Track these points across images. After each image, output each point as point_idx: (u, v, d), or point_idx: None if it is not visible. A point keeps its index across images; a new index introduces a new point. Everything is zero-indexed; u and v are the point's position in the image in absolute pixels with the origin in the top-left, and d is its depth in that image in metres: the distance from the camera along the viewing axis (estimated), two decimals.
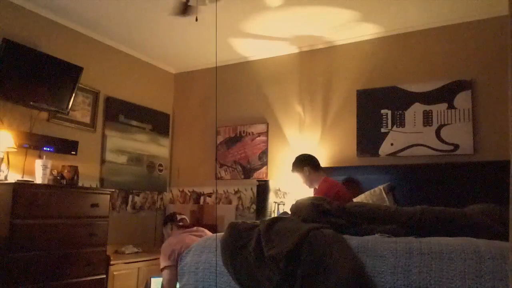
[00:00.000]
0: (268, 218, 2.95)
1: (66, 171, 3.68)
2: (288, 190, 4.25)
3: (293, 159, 3.76)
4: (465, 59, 3.78)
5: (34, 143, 3.63)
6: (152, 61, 5.11)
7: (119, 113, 4.64)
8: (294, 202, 2.79)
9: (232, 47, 4.63)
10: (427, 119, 3.84)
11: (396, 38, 4.11)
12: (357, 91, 4.20)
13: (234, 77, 4.99)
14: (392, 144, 3.96)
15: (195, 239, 2.95)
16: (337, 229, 2.18)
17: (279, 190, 4.32)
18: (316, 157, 3.74)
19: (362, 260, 1.91)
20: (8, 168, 3.41)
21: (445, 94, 3.78)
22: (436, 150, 3.77)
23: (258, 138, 4.71)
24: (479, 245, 1.84)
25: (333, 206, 2.54)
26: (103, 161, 4.42)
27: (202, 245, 2.41)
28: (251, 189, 4.58)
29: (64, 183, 3.64)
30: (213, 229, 4.22)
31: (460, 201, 3.03)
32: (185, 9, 3.28)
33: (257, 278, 2.04)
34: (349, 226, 2.34)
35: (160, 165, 5.14)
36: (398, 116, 3.97)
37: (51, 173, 3.65)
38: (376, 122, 4.06)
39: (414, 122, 3.89)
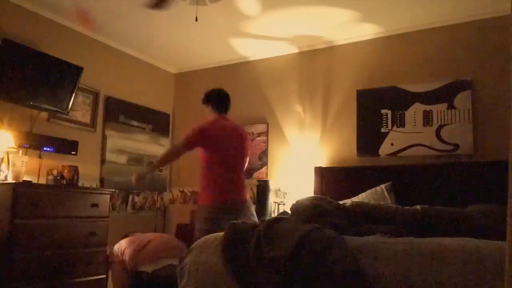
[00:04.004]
0: (268, 218, 2.95)
1: (66, 171, 3.68)
2: (288, 190, 4.25)
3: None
4: (465, 59, 3.78)
5: (34, 143, 3.63)
6: (152, 61, 5.11)
7: (119, 113, 4.64)
8: (294, 202, 2.79)
9: (232, 47, 4.63)
10: (427, 119, 3.84)
11: (396, 38, 4.11)
12: (357, 91, 4.20)
13: (234, 77, 4.99)
14: (392, 144, 3.96)
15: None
16: (337, 230, 2.18)
17: (279, 190, 4.32)
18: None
19: (362, 261, 1.91)
20: (8, 168, 3.41)
21: (445, 94, 3.78)
22: (436, 150, 3.76)
23: (258, 138, 4.71)
24: (479, 245, 1.84)
25: (333, 206, 2.54)
26: (103, 161, 4.42)
27: (202, 245, 2.41)
28: (251, 189, 4.57)
29: (64, 183, 3.64)
30: None
31: (460, 201, 3.04)
32: (160, 2, 3.16)
33: (257, 279, 2.04)
34: (349, 226, 2.35)
35: None
36: (398, 116, 3.97)
37: (51, 173, 3.65)
38: (376, 122, 4.06)
39: (414, 122, 3.89)
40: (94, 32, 4.12)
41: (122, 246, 3.50)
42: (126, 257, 3.38)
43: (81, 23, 3.10)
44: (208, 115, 3.21)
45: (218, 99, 3.20)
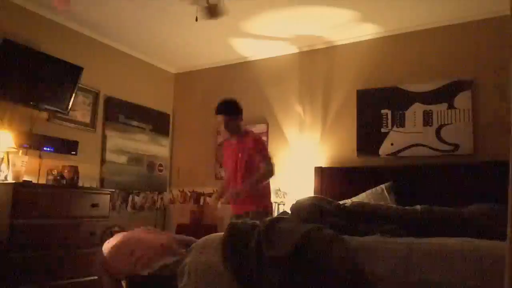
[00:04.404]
0: (268, 218, 2.94)
1: (66, 171, 3.68)
2: (288, 190, 4.25)
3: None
4: (465, 59, 3.78)
5: (34, 143, 3.63)
6: (152, 61, 5.11)
7: (119, 113, 4.64)
8: (294, 202, 2.79)
9: (232, 47, 4.63)
10: (427, 119, 3.84)
11: (396, 38, 4.11)
12: (357, 91, 4.20)
13: (234, 77, 4.99)
14: (392, 144, 3.96)
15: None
16: (337, 230, 2.18)
17: (279, 190, 4.31)
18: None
19: (362, 260, 1.91)
20: (8, 168, 3.41)
21: (445, 94, 3.78)
22: (436, 150, 3.76)
23: None
24: (479, 245, 1.84)
25: (333, 206, 2.54)
26: (103, 161, 4.42)
27: (202, 245, 2.41)
28: None
29: (64, 183, 3.64)
30: (213, 229, 4.23)
31: (460, 201, 3.03)
32: (213, 11, 3.26)
33: (257, 279, 2.04)
34: (349, 226, 2.34)
35: (160, 165, 5.14)
36: (398, 116, 3.97)
37: (51, 173, 3.65)
38: (376, 122, 4.06)
39: (414, 122, 3.89)
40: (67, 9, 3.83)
41: (106, 252, 3.26)
42: (114, 266, 3.18)
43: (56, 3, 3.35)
44: (235, 125, 3.31)
45: (241, 109, 3.35)
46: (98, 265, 3.25)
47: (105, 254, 3.18)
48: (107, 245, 3.23)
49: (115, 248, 3.16)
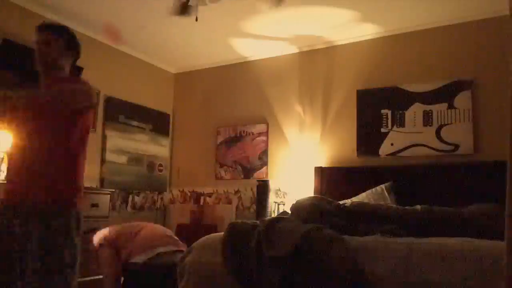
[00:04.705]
0: (268, 218, 2.95)
1: None
2: (288, 190, 4.25)
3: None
4: (465, 59, 3.78)
5: None
6: (152, 61, 5.11)
7: (119, 113, 4.64)
8: (294, 202, 2.80)
9: (232, 47, 4.63)
10: (427, 119, 3.84)
11: (396, 38, 4.11)
12: (357, 91, 4.20)
13: (234, 77, 4.99)
14: (392, 144, 3.96)
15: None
16: (337, 230, 2.18)
17: (279, 190, 4.31)
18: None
19: (362, 260, 1.91)
20: None
21: (445, 94, 3.78)
22: (436, 150, 3.76)
23: (258, 138, 4.71)
24: (479, 245, 1.84)
25: (333, 206, 2.54)
26: (103, 161, 4.42)
27: (202, 245, 2.41)
28: (251, 189, 4.58)
29: None
30: (213, 229, 4.23)
31: (460, 201, 3.03)
32: (185, 9, 3.26)
33: (257, 279, 2.04)
34: (349, 226, 2.35)
35: (160, 165, 5.13)
36: (398, 116, 3.97)
37: None
38: (376, 122, 4.06)
39: (414, 122, 3.89)
40: (120, 45, 4.13)
41: (110, 231, 3.41)
42: (118, 244, 3.29)
43: (108, 38, 3.36)
44: (60, 57, 2.14)
45: (79, 51, 2.20)
46: (100, 259, 3.31)
47: (106, 231, 3.30)
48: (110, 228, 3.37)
49: (120, 229, 3.27)
